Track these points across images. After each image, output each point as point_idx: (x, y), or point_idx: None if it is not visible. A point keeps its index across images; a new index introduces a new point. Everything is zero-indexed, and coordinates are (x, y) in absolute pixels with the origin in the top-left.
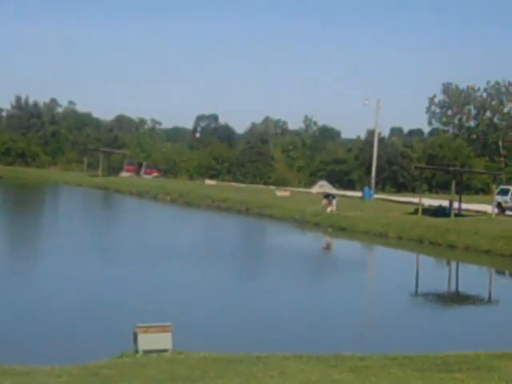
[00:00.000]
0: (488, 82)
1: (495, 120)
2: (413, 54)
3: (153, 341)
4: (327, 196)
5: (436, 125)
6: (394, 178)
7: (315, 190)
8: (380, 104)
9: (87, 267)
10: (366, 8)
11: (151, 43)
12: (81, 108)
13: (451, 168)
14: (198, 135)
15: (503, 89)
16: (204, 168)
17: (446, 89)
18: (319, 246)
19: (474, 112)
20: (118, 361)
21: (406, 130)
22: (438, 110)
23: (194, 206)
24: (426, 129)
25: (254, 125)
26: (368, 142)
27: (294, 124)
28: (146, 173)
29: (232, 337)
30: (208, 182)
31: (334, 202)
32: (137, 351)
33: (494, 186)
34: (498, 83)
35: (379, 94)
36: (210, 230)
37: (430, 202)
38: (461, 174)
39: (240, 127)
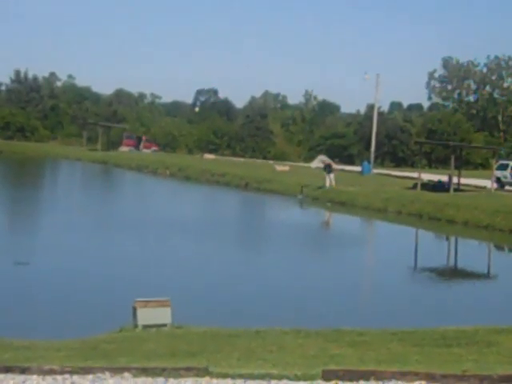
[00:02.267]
0: (488, 57)
1: (495, 95)
2: (413, 29)
3: (152, 315)
4: (326, 167)
5: (436, 99)
6: (394, 152)
7: (315, 164)
8: (380, 79)
9: (86, 241)
10: None
11: (150, 17)
12: (80, 82)
13: (451, 143)
14: (196, 109)
15: (503, 63)
16: (203, 142)
17: (446, 63)
18: (318, 220)
19: (473, 87)
20: (118, 335)
21: (405, 104)
22: (437, 85)
23: (193, 181)
24: (426, 103)
25: (253, 99)
26: (367, 117)
27: (294, 98)
28: (145, 147)
29: (231, 311)
30: (207, 156)
31: (332, 175)
32: (136, 326)
33: (493, 161)
34: (497, 58)
35: (379, 69)
36: (210, 204)
37: (429, 176)
38: (460, 149)
39: (240, 101)
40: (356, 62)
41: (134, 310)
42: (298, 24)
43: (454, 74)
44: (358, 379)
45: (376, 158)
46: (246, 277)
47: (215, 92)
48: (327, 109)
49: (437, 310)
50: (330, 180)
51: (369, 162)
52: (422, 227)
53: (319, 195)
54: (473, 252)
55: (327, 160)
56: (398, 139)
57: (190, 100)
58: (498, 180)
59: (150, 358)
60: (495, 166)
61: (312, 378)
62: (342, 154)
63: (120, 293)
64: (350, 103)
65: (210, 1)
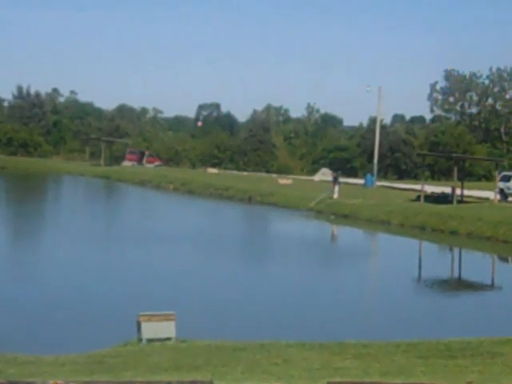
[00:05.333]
0: (490, 69)
1: (497, 106)
2: (415, 41)
3: (156, 329)
4: (334, 179)
5: (438, 112)
6: (397, 165)
7: (318, 177)
8: (382, 91)
9: (91, 256)
10: None
11: (152, 32)
12: (82, 97)
13: (453, 155)
14: (200, 124)
15: (506, 75)
16: (206, 156)
17: (448, 75)
18: (322, 233)
19: (476, 99)
20: (122, 349)
21: (407, 117)
22: (439, 97)
23: (197, 195)
24: (428, 116)
25: (255, 112)
26: (370, 130)
27: (297, 111)
28: (148, 162)
29: (235, 325)
30: (210, 170)
31: (337, 188)
32: (140, 340)
33: (496, 173)
34: (500, 70)
35: (381, 82)
36: (213, 218)
37: (432, 188)
38: (463, 161)
39: (242, 115)
40: (358, 74)
41: (139, 323)
42: (299, 37)
43: (457, 86)
44: None
45: (379, 170)
46: (251, 290)
47: (217, 106)
48: (330, 122)
49: (441, 322)
50: (336, 188)
51: (372, 174)
52: (426, 239)
53: (323, 208)
54: (476, 263)
55: (334, 172)
56: (401, 151)
57: (192, 114)
58: (501, 191)
59: (155, 371)
60: (498, 178)
61: None
62: (344, 166)
63: (124, 306)
64: (353, 116)
65: (212, 14)
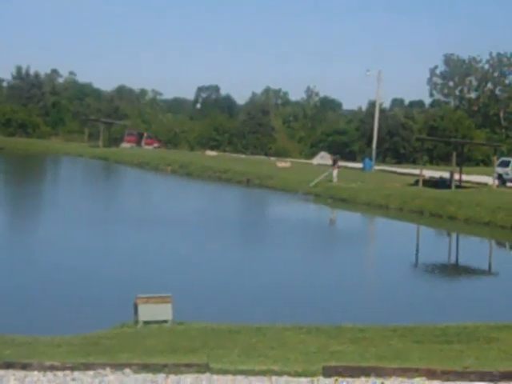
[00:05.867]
0: (490, 54)
1: (497, 92)
2: (414, 25)
3: (153, 311)
4: (334, 162)
5: (437, 96)
6: (395, 149)
7: (316, 161)
8: (381, 75)
9: (88, 237)
10: None
11: (152, 13)
12: (82, 78)
13: (452, 139)
14: (198, 106)
15: (505, 60)
16: (205, 139)
17: (448, 60)
18: (320, 217)
19: (475, 83)
20: (119, 331)
21: (407, 101)
22: (439, 82)
23: (195, 177)
24: (427, 100)
25: (254, 95)
26: (369, 113)
27: (296, 95)
28: (146, 143)
29: (232, 308)
30: (209, 153)
31: (336, 172)
32: (137, 322)
33: (494, 158)
34: (500, 55)
35: (381, 66)
36: (211, 201)
37: (430, 173)
38: (462, 146)
39: (241, 98)
40: (358, 58)
41: (136, 306)
42: (299, 20)
43: (456, 70)
44: (358, 375)
45: (377, 154)
46: (247, 273)
47: (217, 89)
48: (329, 105)
49: (438, 307)
50: (335, 171)
51: (370, 158)
52: (424, 224)
53: (321, 192)
54: (474, 249)
55: (333, 156)
56: (400, 136)
57: (191, 97)
58: (500, 177)
59: (151, 354)
60: (497, 163)
61: (312, 374)
62: (343, 150)
63: (121, 289)
64: (352, 100)
65: None
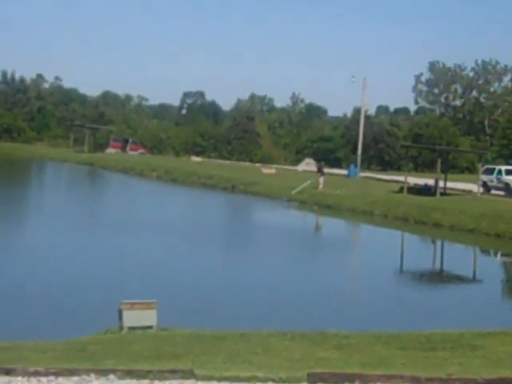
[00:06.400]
0: (475, 61)
1: (481, 99)
2: (400, 32)
3: (138, 317)
4: (319, 169)
5: (422, 103)
6: (380, 156)
7: (301, 167)
8: (366, 82)
9: (72, 242)
10: None
11: (138, 19)
12: (67, 84)
13: (437, 147)
14: (184, 112)
15: (490, 68)
16: (190, 145)
17: (433, 67)
18: (305, 223)
19: (460, 91)
20: (103, 337)
21: (392, 108)
22: (424, 89)
23: (180, 183)
24: (413, 107)
25: (240, 101)
26: (354, 120)
27: (281, 101)
28: (131, 149)
29: (216, 314)
30: (194, 158)
31: (322, 179)
32: (122, 328)
33: (479, 165)
34: (485, 62)
35: (366, 72)
36: (196, 206)
37: (415, 180)
38: (447, 153)
39: (227, 104)
40: (343, 65)
41: (120, 311)
42: (285, 27)
43: (441, 77)
44: (343, 382)
45: (362, 161)
46: (232, 279)
47: (202, 94)
48: (314, 112)
49: (422, 314)
50: (321, 179)
51: (355, 165)
52: (408, 231)
53: (305, 198)
54: (458, 256)
55: (318, 163)
56: (385, 143)
57: (177, 102)
58: (484, 184)
59: (136, 360)
60: (481, 171)
61: (297, 380)
62: (328, 157)
63: (106, 294)
64: (337, 106)
65: (198, 3)
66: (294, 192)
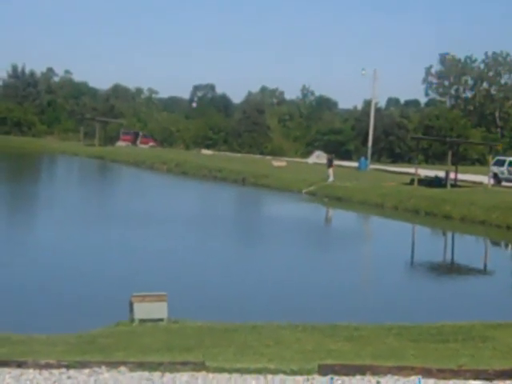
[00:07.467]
0: (486, 53)
1: (492, 91)
2: (410, 24)
3: (149, 310)
4: (329, 161)
5: (433, 95)
6: (391, 148)
7: (312, 160)
8: (377, 74)
9: (83, 235)
10: None
11: (147, 12)
12: (77, 77)
13: (448, 139)
14: (194, 105)
15: (501, 60)
16: (200, 138)
17: (443, 59)
18: (315, 216)
19: (471, 83)
20: (114, 329)
21: (402, 100)
22: (434, 81)
23: (190, 176)
24: (423, 99)
25: (250, 94)
26: (365, 113)
27: (291, 94)
28: (142, 142)
29: (227, 306)
30: (204, 151)
31: (331, 170)
32: (133, 320)
33: (490, 157)
34: (495, 54)
35: (376, 65)
36: (207, 199)
37: (426, 172)
38: (457, 145)
39: (237, 97)
40: (353, 57)
41: (131, 304)
42: (295, 20)
43: (452, 69)
44: (354, 374)
45: (373, 153)
46: (243, 272)
47: (212, 87)
48: (324, 104)
49: (434, 306)
50: (332, 170)
51: (366, 157)
52: (419, 223)
53: (316, 191)
54: (469, 247)
55: (329, 155)
56: (395, 135)
57: (187, 95)
58: (495, 176)
59: (147, 352)
60: (492, 162)
61: (308, 372)
62: (339, 149)
63: (117, 287)
64: (348, 99)
65: None
66: (311, 188)
